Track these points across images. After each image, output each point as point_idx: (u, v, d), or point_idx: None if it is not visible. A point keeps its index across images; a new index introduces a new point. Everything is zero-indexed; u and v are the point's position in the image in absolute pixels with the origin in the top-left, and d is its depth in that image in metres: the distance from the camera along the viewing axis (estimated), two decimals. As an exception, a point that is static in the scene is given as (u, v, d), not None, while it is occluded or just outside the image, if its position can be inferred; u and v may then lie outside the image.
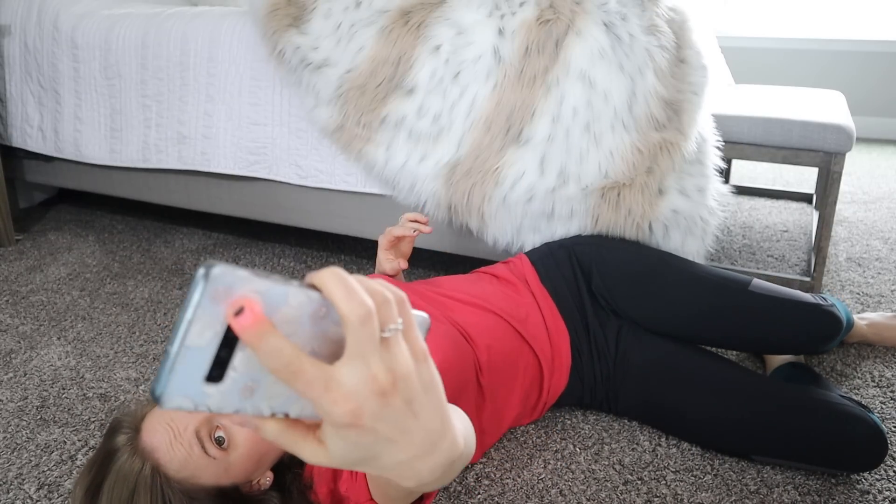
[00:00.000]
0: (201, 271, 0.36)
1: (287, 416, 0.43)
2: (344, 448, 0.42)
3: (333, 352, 0.43)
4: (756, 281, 1.22)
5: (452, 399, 1.07)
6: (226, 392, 0.39)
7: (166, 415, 0.88)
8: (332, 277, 0.40)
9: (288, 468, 0.98)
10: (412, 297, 1.21)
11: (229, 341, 0.38)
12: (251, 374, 0.39)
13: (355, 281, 0.40)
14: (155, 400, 0.36)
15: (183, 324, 0.36)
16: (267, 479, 0.94)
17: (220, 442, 0.87)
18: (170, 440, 0.85)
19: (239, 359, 0.39)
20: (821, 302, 1.19)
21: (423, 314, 0.48)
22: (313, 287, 0.41)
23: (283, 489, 0.95)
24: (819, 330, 1.18)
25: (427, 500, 0.93)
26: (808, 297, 1.20)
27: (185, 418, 0.87)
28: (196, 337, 0.36)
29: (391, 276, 1.31)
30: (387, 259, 1.29)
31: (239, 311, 0.37)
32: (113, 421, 0.91)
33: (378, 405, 0.41)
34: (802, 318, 1.18)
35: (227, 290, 0.36)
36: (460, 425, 0.51)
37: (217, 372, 0.38)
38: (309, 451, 0.43)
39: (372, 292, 0.41)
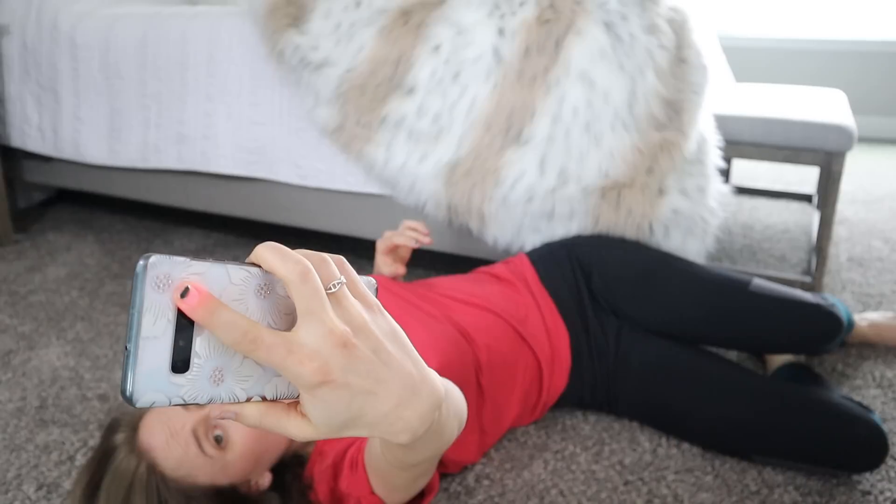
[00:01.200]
0: (140, 263, 0.37)
1: (264, 398, 0.43)
2: (325, 412, 0.42)
3: (289, 325, 0.43)
4: (756, 281, 1.22)
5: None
6: (195, 381, 0.39)
7: (164, 414, 0.88)
8: (266, 249, 0.41)
9: (287, 469, 0.97)
10: (411, 298, 1.20)
11: (185, 329, 0.38)
12: (215, 358, 0.40)
13: (290, 250, 0.41)
14: (127, 401, 0.36)
15: (134, 318, 0.36)
16: (265, 479, 0.94)
17: (217, 440, 0.87)
18: (166, 438, 0.85)
19: (199, 344, 0.39)
20: (821, 302, 1.19)
21: (369, 278, 0.49)
22: (252, 265, 0.42)
23: (283, 490, 0.95)
24: (819, 330, 1.17)
25: (428, 497, 0.93)
26: (808, 296, 1.20)
27: (182, 417, 0.87)
28: (150, 328, 0.37)
29: (390, 279, 1.31)
30: (385, 264, 1.29)
31: (184, 294, 0.37)
32: (111, 420, 0.91)
33: (343, 357, 0.41)
34: (803, 318, 1.17)
35: (167, 276, 0.37)
36: (438, 377, 0.52)
37: (181, 362, 0.38)
38: (294, 427, 0.44)
39: (308, 255, 0.43)
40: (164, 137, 1.92)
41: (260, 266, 0.41)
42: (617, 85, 1.35)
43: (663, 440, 1.22)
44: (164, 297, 0.37)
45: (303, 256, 0.42)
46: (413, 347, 0.48)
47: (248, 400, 0.42)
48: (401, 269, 1.30)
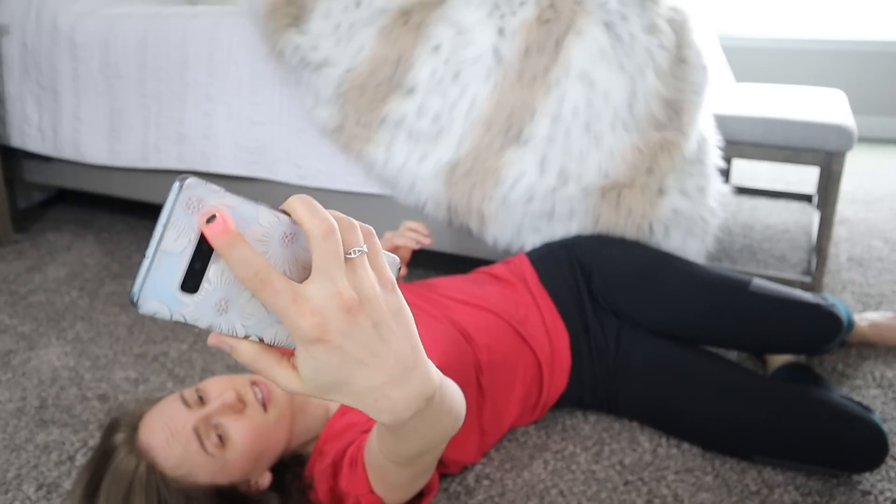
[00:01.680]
0: (176, 183, 0.38)
1: (262, 340, 0.44)
2: (315, 370, 0.43)
3: (303, 278, 0.44)
4: (756, 281, 1.22)
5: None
6: (200, 304, 0.41)
7: (164, 413, 0.88)
8: (298, 200, 0.42)
9: (287, 468, 0.97)
10: (411, 299, 1.20)
11: (203, 254, 0.40)
12: (225, 289, 0.41)
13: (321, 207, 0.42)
14: (132, 304, 0.38)
15: (158, 230, 0.38)
16: (265, 479, 0.94)
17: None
18: (166, 438, 0.85)
19: (213, 271, 0.41)
20: (821, 302, 1.19)
21: (394, 256, 0.49)
22: (284, 212, 0.43)
23: (283, 490, 0.95)
24: (819, 330, 1.17)
25: (427, 497, 0.93)
26: (808, 296, 1.20)
27: (182, 417, 0.87)
28: (171, 243, 0.38)
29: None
30: None
31: (210, 220, 0.39)
32: (111, 420, 0.91)
33: (344, 322, 0.42)
34: (803, 318, 1.17)
35: (199, 200, 0.39)
36: (436, 370, 0.52)
37: (192, 283, 0.40)
38: (283, 377, 0.44)
39: (337, 217, 0.43)
40: (164, 137, 1.92)
41: (290, 215, 0.42)
42: (617, 85, 1.35)
43: (663, 440, 1.22)
44: (192, 218, 0.39)
45: (334, 218, 0.43)
46: (416, 333, 0.48)
47: (246, 338, 0.43)
48: (402, 271, 1.30)
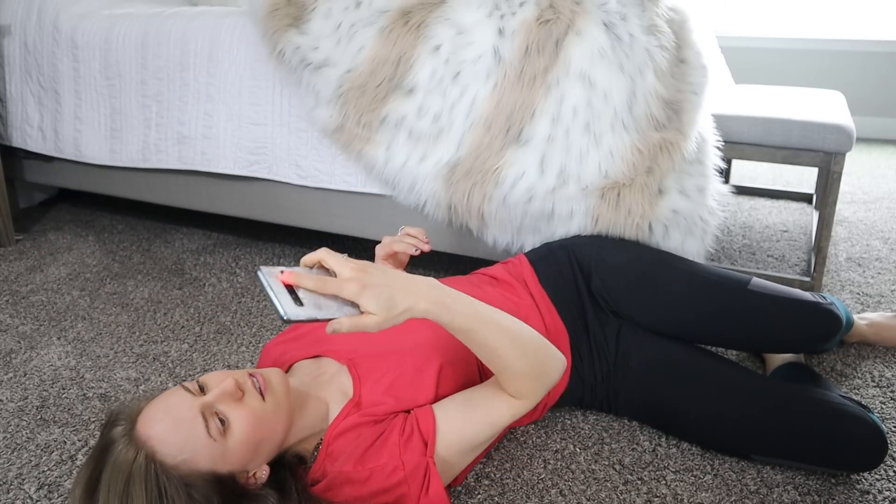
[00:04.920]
0: (259, 274, 0.79)
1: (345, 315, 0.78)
2: (374, 301, 0.79)
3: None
4: (755, 280, 1.22)
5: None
6: (308, 307, 0.76)
7: (167, 402, 0.89)
8: (325, 252, 0.83)
9: (285, 467, 0.98)
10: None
11: (291, 291, 0.78)
12: (313, 299, 0.78)
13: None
14: (284, 321, 0.73)
15: (269, 292, 0.77)
16: (263, 472, 0.95)
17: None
18: (170, 425, 0.86)
19: (301, 293, 0.78)
20: (820, 301, 1.19)
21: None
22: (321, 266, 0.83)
23: (282, 490, 0.95)
24: (818, 328, 1.17)
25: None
26: (807, 295, 1.20)
27: (187, 402, 0.89)
28: (277, 293, 0.76)
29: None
30: None
31: (281, 273, 0.79)
32: (110, 414, 0.91)
33: (365, 274, 0.81)
34: (801, 317, 1.17)
35: (270, 270, 0.80)
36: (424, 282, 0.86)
37: (298, 302, 0.76)
38: (367, 319, 0.79)
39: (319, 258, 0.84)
40: (164, 137, 1.93)
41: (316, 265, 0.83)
42: (617, 85, 1.35)
43: (663, 440, 1.22)
44: (276, 279, 0.78)
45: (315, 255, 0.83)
46: (395, 271, 0.84)
47: (328, 320, 0.77)
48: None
